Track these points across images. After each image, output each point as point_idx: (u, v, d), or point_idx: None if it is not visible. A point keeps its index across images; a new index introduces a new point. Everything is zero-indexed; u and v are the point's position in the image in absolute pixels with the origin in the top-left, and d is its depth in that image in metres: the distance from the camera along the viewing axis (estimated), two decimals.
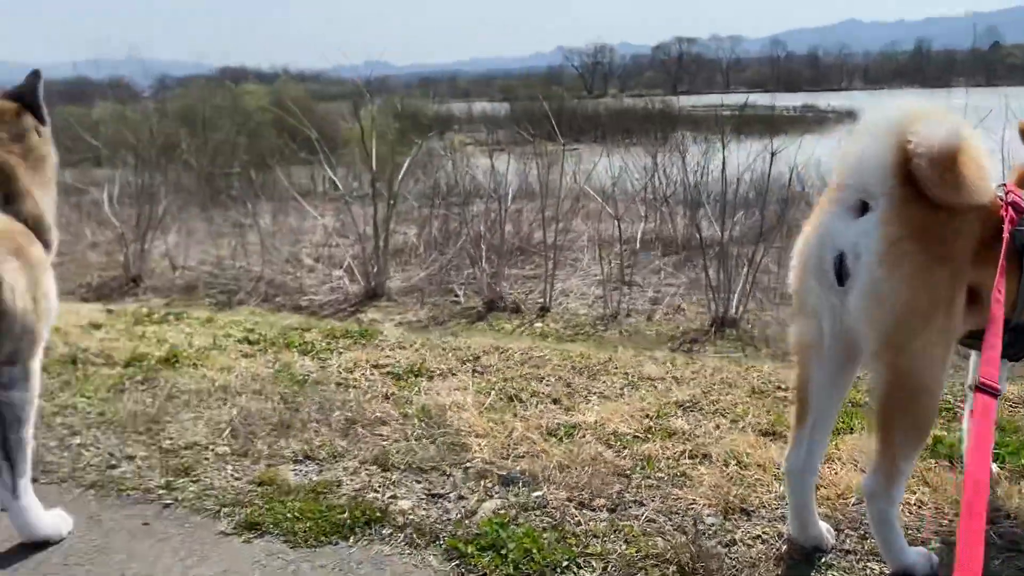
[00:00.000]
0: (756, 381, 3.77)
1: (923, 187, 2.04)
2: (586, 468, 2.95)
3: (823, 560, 2.40)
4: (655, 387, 3.74)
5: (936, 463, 2.91)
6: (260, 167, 10.93)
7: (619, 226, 8.42)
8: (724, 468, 2.94)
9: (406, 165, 9.00)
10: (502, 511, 2.70)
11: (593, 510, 2.71)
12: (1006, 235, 2.13)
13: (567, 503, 2.74)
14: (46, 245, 2.56)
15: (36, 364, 2.51)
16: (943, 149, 2.02)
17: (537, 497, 2.78)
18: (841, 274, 2.14)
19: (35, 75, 2.62)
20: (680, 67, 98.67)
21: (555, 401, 3.61)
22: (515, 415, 3.45)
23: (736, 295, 6.68)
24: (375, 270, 8.55)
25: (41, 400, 3.54)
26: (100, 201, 9.31)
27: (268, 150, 11.66)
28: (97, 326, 4.82)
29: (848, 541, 2.47)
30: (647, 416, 3.39)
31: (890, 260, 2.07)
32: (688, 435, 3.20)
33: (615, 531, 2.57)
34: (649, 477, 2.90)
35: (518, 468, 2.98)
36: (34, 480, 2.68)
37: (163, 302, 7.22)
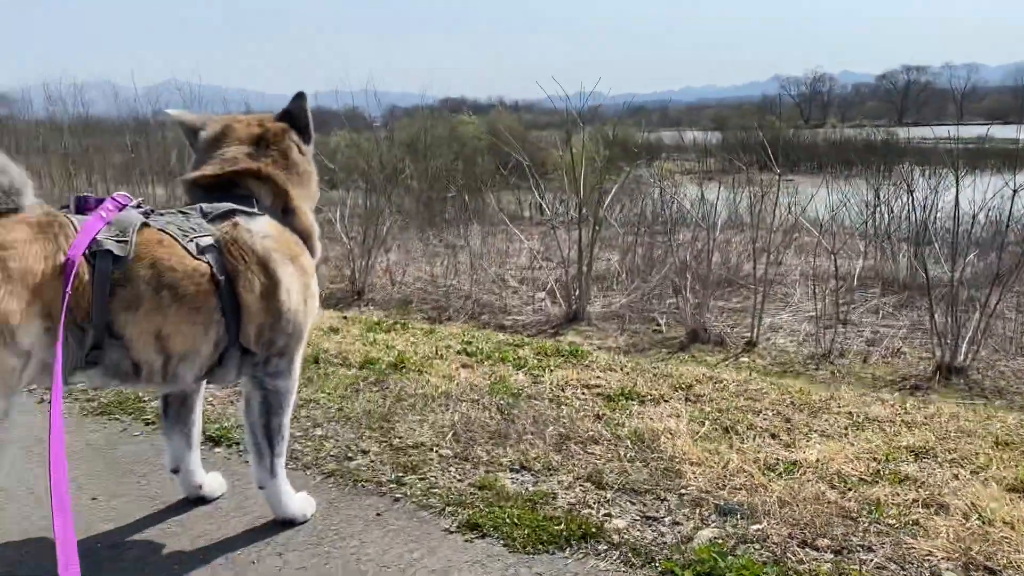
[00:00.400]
0: (1000, 432, 3.46)
1: None
2: (808, 506, 2.84)
3: None
4: (883, 429, 3.53)
5: None
6: (473, 192, 11.47)
7: (835, 261, 8.03)
8: (964, 521, 2.72)
9: (613, 191, 9.11)
10: (719, 540, 2.66)
11: (817, 550, 2.61)
12: None
13: (788, 540, 2.65)
14: (312, 253, 2.85)
15: (298, 359, 2.79)
16: None
17: (757, 530, 2.72)
18: None
19: (300, 97, 2.87)
20: (907, 96, 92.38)
21: (773, 436, 3.51)
22: (730, 446, 3.39)
23: (965, 341, 6.16)
24: (577, 294, 8.70)
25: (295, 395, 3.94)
26: (333, 220, 10.18)
27: (481, 176, 12.22)
28: (335, 331, 5.27)
29: None
30: (874, 459, 3.21)
31: None
32: (921, 483, 3.00)
33: (840, 573, 2.46)
34: (878, 522, 2.74)
35: (735, 500, 2.92)
36: (284, 465, 2.98)
37: (382, 314, 7.72)
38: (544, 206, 10.31)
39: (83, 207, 2.40)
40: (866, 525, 2.73)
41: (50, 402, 2.02)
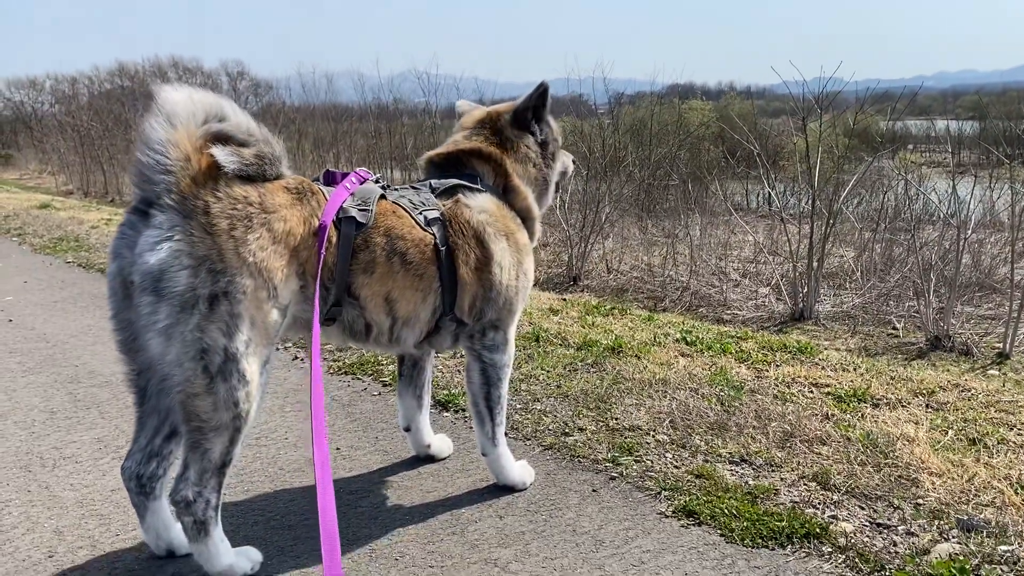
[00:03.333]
0: None
1: None
2: None
3: None
4: None
5: None
6: (696, 180, 11.22)
7: None
8: None
9: (851, 183, 8.55)
10: (960, 556, 2.45)
11: None
12: None
13: None
14: (531, 233, 2.96)
15: (512, 334, 2.91)
16: None
17: (1005, 551, 2.47)
18: None
19: (541, 87, 2.99)
20: None
21: None
22: (977, 460, 3.09)
23: None
24: (804, 291, 8.27)
25: (511, 368, 4.10)
26: (553, 206, 10.40)
27: (706, 164, 11.94)
28: (555, 312, 5.41)
29: None
30: None
31: None
32: None
33: None
34: None
35: (981, 516, 2.67)
36: (505, 434, 3.11)
37: (596, 301, 7.80)
38: (773, 197, 9.87)
39: (330, 180, 2.65)
40: None
41: (303, 359, 2.25)
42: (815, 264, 8.18)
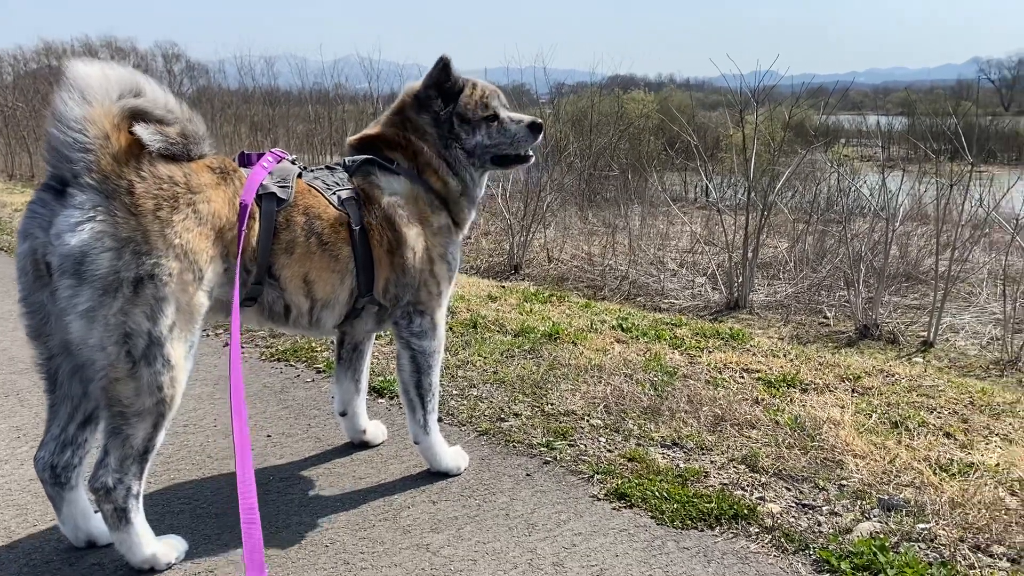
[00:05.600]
0: None
1: None
2: (983, 510, 2.64)
3: None
4: None
5: None
6: (636, 171, 11.33)
7: None
8: None
9: (785, 176, 8.74)
10: (881, 535, 2.52)
11: (991, 556, 2.42)
12: None
13: (958, 543, 2.48)
14: (456, 216, 2.87)
15: (440, 319, 2.86)
16: None
17: (923, 529, 2.55)
18: None
19: (439, 63, 2.79)
20: None
21: (948, 435, 3.27)
22: (899, 442, 3.19)
23: None
24: (739, 281, 8.43)
25: (447, 354, 4.08)
26: (495, 195, 10.37)
27: (646, 155, 12.06)
28: (493, 299, 5.40)
29: None
30: None
31: None
32: None
33: None
34: None
35: (901, 496, 2.76)
36: (439, 420, 3.09)
37: (535, 289, 7.82)
38: (711, 188, 10.03)
39: (246, 162, 2.57)
40: None
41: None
42: (750, 254, 8.33)
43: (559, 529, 2.60)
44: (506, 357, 4.17)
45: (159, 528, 2.41)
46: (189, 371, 2.30)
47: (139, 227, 2.13)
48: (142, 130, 2.17)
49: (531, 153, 3.00)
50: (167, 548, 2.36)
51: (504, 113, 2.93)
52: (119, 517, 2.24)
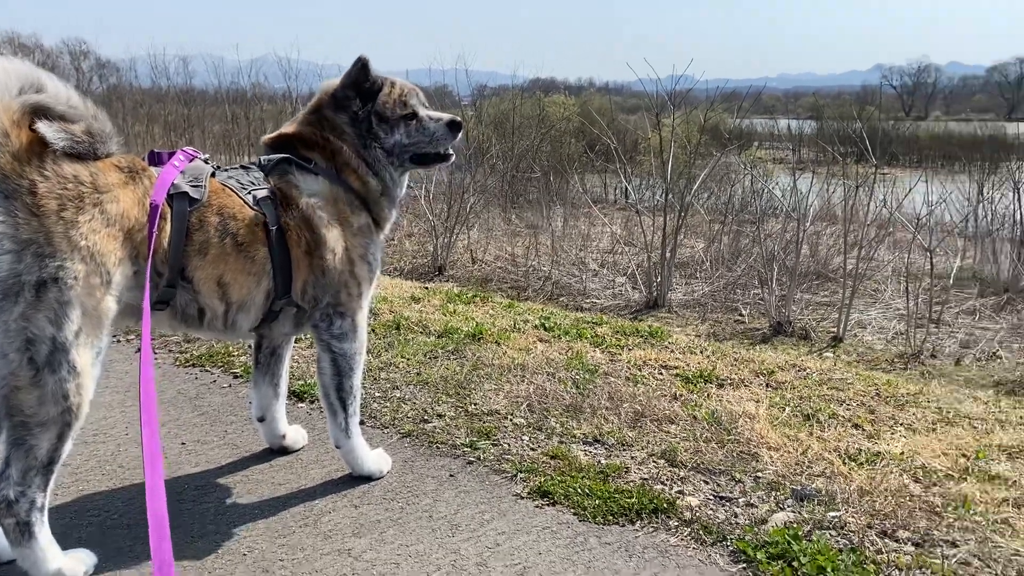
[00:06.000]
0: None
1: None
2: (890, 498, 2.75)
3: None
4: (974, 427, 3.39)
5: None
6: (558, 173, 11.45)
7: (931, 259, 7.72)
8: None
9: (701, 177, 8.96)
10: (794, 524, 2.61)
11: (897, 541, 2.53)
12: None
13: (867, 529, 2.58)
14: (377, 216, 2.83)
15: (362, 321, 2.82)
16: None
17: (834, 517, 2.65)
18: None
19: (357, 63, 2.77)
20: (1019, 90, 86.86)
21: (856, 426, 3.40)
22: (811, 434, 3.31)
23: None
24: (658, 280, 8.61)
25: (370, 356, 4.03)
26: (418, 196, 10.33)
27: (567, 158, 12.19)
28: (416, 300, 5.36)
29: None
30: (963, 455, 3.09)
31: None
32: (1015, 483, 2.87)
33: (921, 567, 2.38)
34: (964, 519, 2.64)
35: (813, 486, 2.86)
36: (361, 423, 3.05)
37: (459, 289, 7.82)
38: (630, 190, 10.21)
39: (156, 162, 2.48)
40: (951, 520, 2.63)
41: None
42: (668, 255, 8.51)
43: (482, 529, 2.60)
44: (429, 358, 4.15)
45: (67, 542, 2.31)
46: (96, 378, 2.21)
47: (41, 228, 2.04)
48: (45, 127, 2.08)
49: (451, 152, 2.99)
50: (74, 563, 2.26)
51: (423, 111, 2.91)
52: (21, 532, 2.13)
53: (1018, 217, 8.08)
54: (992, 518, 2.64)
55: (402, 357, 4.15)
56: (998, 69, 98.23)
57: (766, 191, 9.70)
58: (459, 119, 2.98)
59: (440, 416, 3.45)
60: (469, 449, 3.16)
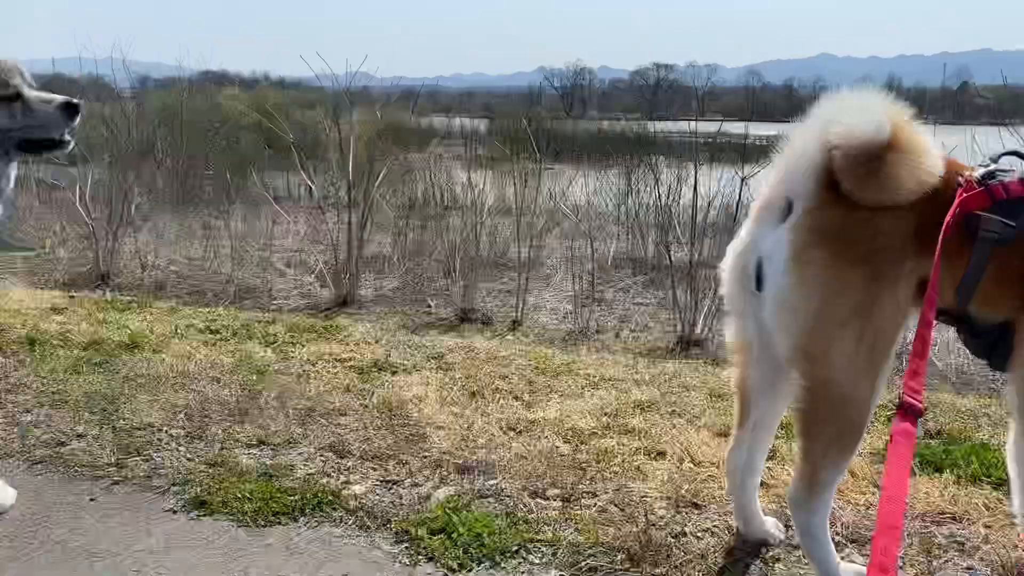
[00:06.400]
0: (714, 384, 3.80)
1: (842, 186, 1.92)
2: (542, 460, 2.95)
3: (771, 553, 2.41)
4: (615, 388, 3.75)
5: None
6: (236, 170, 10.89)
7: (591, 245, 8.47)
8: (678, 464, 2.95)
9: (382, 174, 9.03)
10: (456, 497, 2.69)
11: (547, 499, 2.71)
12: (945, 226, 1.90)
13: (521, 492, 2.73)
14: None
15: None
16: (863, 143, 1.89)
17: (492, 485, 2.78)
18: (760, 280, 2.06)
19: None
20: (656, 92, 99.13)
21: (517, 398, 3.61)
22: (476, 409, 3.45)
23: (703, 315, 6.71)
24: (347, 277, 8.53)
25: None
26: (73, 199, 9.22)
27: (245, 155, 11.64)
28: (58, 311, 4.76)
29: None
30: (606, 414, 3.40)
31: (795, 266, 1.96)
32: (645, 433, 3.21)
33: (567, 519, 2.57)
34: (604, 471, 2.90)
35: (475, 459, 2.97)
36: None
37: (112, 297, 7.14)
38: (312, 187, 10.00)
39: None
40: (594, 474, 2.87)
41: None
42: (355, 251, 8.48)
43: (126, 552, 2.36)
44: (71, 374, 3.70)
45: None
46: None
47: None
48: None
49: (68, 138, 2.66)
50: None
51: (30, 92, 2.56)
52: None
53: (659, 205, 9.11)
54: (627, 467, 2.93)
55: (37, 376, 3.65)
56: (639, 73, 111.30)
57: (446, 187, 10.04)
58: (76, 101, 2.67)
59: (81, 436, 3.09)
60: (115, 468, 2.86)
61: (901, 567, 2.34)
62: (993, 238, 1.94)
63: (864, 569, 2.24)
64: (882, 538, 1.50)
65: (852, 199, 1.94)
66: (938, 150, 2.01)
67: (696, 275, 7.09)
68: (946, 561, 2.39)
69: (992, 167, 2.03)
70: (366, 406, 3.45)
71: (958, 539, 2.50)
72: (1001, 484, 2.76)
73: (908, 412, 1.67)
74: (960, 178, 2.01)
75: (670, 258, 7.89)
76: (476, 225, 8.51)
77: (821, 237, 1.96)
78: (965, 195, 1.96)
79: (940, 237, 1.89)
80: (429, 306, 8.66)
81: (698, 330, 6.63)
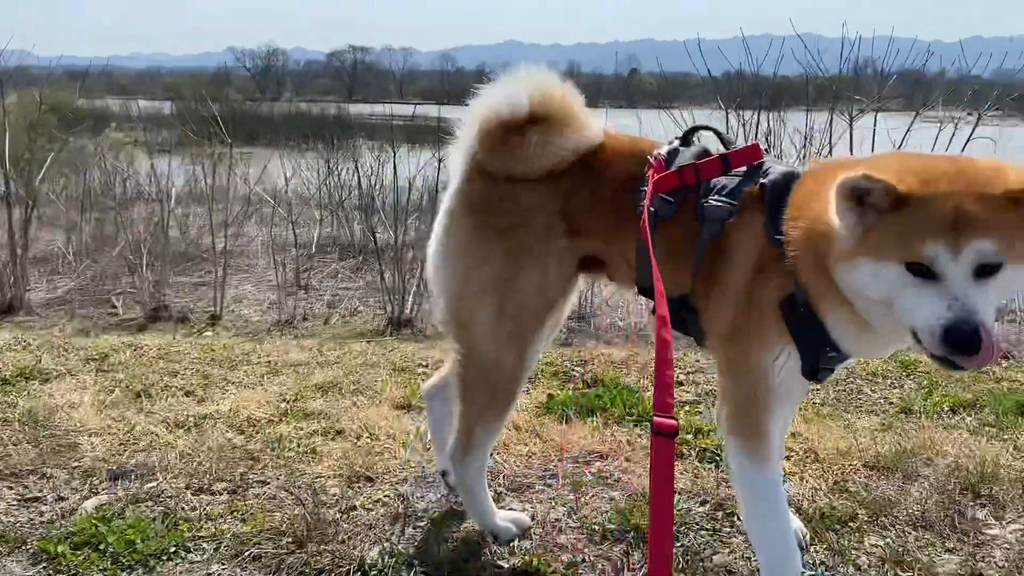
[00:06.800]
0: (398, 360, 3.87)
1: (486, 158, 2.02)
2: (212, 455, 2.81)
3: (437, 513, 2.50)
4: (297, 372, 3.68)
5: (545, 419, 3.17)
6: None
7: (294, 230, 8.25)
8: (356, 441, 2.96)
9: (48, 163, 8.08)
10: (107, 506, 2.48)
11: (212, 494, 2.59)
12: (645, 214, 1.88)
13: (184, 490, 2.59)
14: None
15: None
16: (500, 117, 1.99)
17: (150, 488, 2.60)
18: None
19: None
20: (354, 75, 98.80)
21: (188, 393, 3.41)
22: (140, 410, 3.20)
23: (411, 296, 6.83)
24: (12, 281, 7.56)
25: None
26: None
27: None
28: None
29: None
30: (284, 400, 3.33)
31: (446, 237, 2.08)
32: (324, 414, 3.19)
33: (232, 512, 2.47)
34: (279, 457, 2.83)
35: (132, 462, 2.76)
36: None
37: None
38: None
39: None
40: (267, 462, 2.80)
41: None
42: (20, 251, 7.52)
43: None
44: None
45: None
46: None
47: None
48: None
49: None
50: None
51: None
52: None
53: (361, 187, 9.07)
54: (302, 450, 2.89)
55: None
56: (336, 55, 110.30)
57: (127, 175, 9.21)
58: None
59: None
60: None
61: (552, 507, 2.54)
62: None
63: (521, 515, 2.41)
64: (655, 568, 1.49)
65: (496, 174, 2.03)
66: (600, 126, 2.08)
67: (403, 257, 7.19)
68: (593, 496, 2.63)
69: (676, 144, 2.06)
70: (6, 420, 3.06)
71: (603, 474, 2.76)
72: (641, 421, 3.10)
73: (659, 433, 1.55)
74: (650, 158, 2.01)
75: (375, 241, 7.92)
76: (164, 215, 7.93)
77: (467, 208, 2.06)
78: (656, 177, 1.96)
79: (643, 222, 1.88)
80: (114, 306, 7.93)
81: (407, 310, 6.74)
